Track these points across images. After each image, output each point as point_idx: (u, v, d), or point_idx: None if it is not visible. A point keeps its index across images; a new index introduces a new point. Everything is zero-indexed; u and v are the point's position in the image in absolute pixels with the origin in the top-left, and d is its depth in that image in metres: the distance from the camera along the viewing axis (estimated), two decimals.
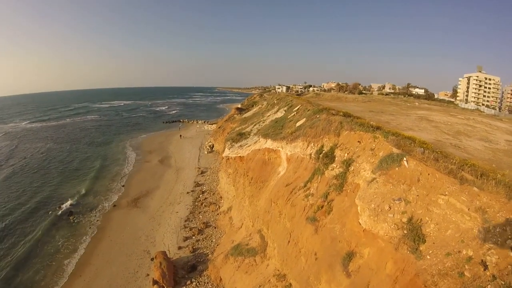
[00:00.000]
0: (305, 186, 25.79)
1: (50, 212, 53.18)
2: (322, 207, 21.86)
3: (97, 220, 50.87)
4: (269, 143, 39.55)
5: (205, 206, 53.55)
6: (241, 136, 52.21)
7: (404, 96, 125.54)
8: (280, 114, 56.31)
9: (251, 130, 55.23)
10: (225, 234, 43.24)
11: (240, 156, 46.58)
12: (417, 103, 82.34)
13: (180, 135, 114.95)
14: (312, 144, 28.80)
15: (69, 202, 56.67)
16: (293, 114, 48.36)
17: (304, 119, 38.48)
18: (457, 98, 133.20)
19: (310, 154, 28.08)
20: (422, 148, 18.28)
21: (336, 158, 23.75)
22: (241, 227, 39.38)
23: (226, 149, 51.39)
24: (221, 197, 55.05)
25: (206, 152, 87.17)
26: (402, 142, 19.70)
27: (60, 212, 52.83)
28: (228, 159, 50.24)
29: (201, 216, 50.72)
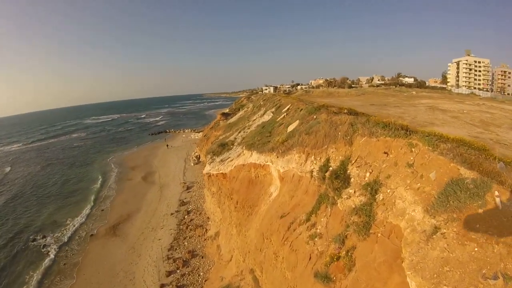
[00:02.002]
0: (308, 220, 17.74)
1: (21, 245, 47.04)
2: (337, 258, 14.05)
3: (72, 254, 43.83)
4: (255, 157, 31.40)
5: (190, 229, 45.68)
6: (223, 147, 43.89)
7: (395, 86, 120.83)
8: (267, 117, 48.31)
9: (235, 138, 46.83)
10: (214, 266, 35.42)
11: (222, 173, 38.21)
12: (414, 92, 75.49)
13: (167, 145, 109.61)
14: (312, 158, 21.01)
15: (43, 234, 49.97)
16: (282, 116, 40.44)
17: (297, 121, 30.69)
18: (448, 83, 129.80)
19: (311, 172, 20.28)
20: (502, 163, 10.69)
21: (352, 179, 15.89)
22: (231, 260, 31.40)
23: (207, 164, 42.67)
24: (208, 218, 46.99)
25: (192, 164, 79.09)
26: (462, 152, 11.97)
27: (32, 244, 46.85)
28: (210, 176, 42.00)
29: (186, 243, 43.03)
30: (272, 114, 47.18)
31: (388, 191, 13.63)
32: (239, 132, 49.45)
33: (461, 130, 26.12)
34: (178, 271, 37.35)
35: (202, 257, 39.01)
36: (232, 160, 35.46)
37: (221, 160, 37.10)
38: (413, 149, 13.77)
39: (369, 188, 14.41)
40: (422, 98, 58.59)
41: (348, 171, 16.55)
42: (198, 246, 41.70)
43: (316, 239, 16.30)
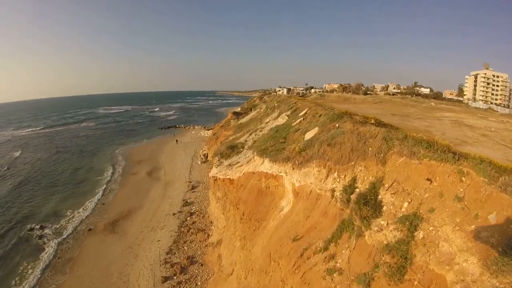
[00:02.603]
0: (326, 248, 14.84)
1: (19, 235, 45.84)
2: None
3: (68, 248, 42.30)
4: (267, 165, 28.19)
5: (192, 233, 43.23)
6: (232, 150, 41.01)
7: (411, 96, 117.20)
8: (281, 120, 45.17)
9: (246, 141, 44.00)
10: (213, 277, 32.84)
11: (229, 179, 35.18)
12: (433, 104, 71.95)
13: (176, 140, 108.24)
14: (335, 174, 18.12)
15: (41, 223, 48.81)
16: (298, 120, 37.42)
17: (316, 128, 27.53)
18: (464, 96, 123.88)
19: (333, 191, 17.48)
20: None
21: (385, 208, 13.14)
22: (232, 274, 28.51)
23: (214, 167, 40.10)
24: (211, 222, 44.31)
25: (199, 162, 76.57)
26: None
27: (29, 235, 45.69)
28: (216, 179, 39.09)
29: (186, 248, 40.66)
30: (287, 118, 44.05)
31: (431, 228, 10.91)
32: (250, 134, 46.46)
33: (496, 152, 23.10)
34: (174, 277, 35.17)
35: (202, 265, 36.57)
36: (241, 165, 32.66)
37: (229, 165, 34.06)
38: (463, 178, 11.05)
39: (407, 223, 11.63)
40: (443, 110, 55.24)
41: (380, 197, 13.77)
42: (198, 252, 39.29)
43: (335, 275, 13.49)
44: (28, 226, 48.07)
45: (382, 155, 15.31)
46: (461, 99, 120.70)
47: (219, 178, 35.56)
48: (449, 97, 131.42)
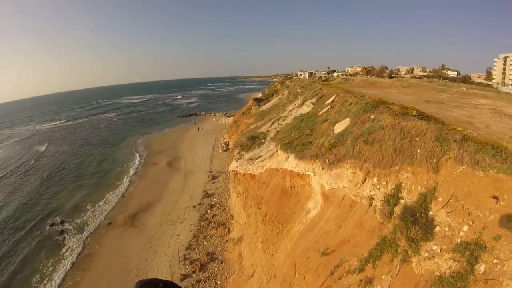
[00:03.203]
0: (361, 269, 12.40)
1: (39, 231, 45.61)
2: None
3: (87, 243, 41.89)
4: (292, 162, 25.05)
5: (212, 227, 41.51)
6: (254, 141, 38.19)
7: (439, 80, 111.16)
8: (306, 108, 41.57)
9: (268, 131, 41.10)
10: (233, 277, 30.92)
11: (250, 174, 32.45)
12: (464, 88, 66.65)
13: (198, 127, 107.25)
14: (374, 180, 15.25)
15: (62, 218, 48.70)
16: (325, 109, 33.94)
17: (348, 120, 24.30)
18: (493, 80, 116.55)
19: (371, 199, 14.91)
20: None
21: (438, 229, 10.44)
22: (253, 275, 26.43)
23: (234, 160, 37.42)
24: (232, 216, 42.37)
25: (220, 151, 74.66)
26: None
27: (50, 230, 45.39)
28: (237, 173, 36.44)
29: (205, 243, 39.02)
30: (312, 106, 40.51)
31: (495, 261, 8.27)
32: (273, 123, 43.28)
33: None
34: (194, 275, 33.65)
35: (222, 262, 34.83)
36: (263, 160, 29.93)
37: (250, 159, 31.07)
38: None
39: (466, 252, 9.02)
40: (477, 96, 50.50)
41: (432, 213, 11.03)
42: (219, 249, 37.56)
43: None
44: (49, 221, 47.82)
45: (434, 160, 12.44)
46: (490, 83, 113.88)
47: (240, 173, 33.15)
48: (477, 80, 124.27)
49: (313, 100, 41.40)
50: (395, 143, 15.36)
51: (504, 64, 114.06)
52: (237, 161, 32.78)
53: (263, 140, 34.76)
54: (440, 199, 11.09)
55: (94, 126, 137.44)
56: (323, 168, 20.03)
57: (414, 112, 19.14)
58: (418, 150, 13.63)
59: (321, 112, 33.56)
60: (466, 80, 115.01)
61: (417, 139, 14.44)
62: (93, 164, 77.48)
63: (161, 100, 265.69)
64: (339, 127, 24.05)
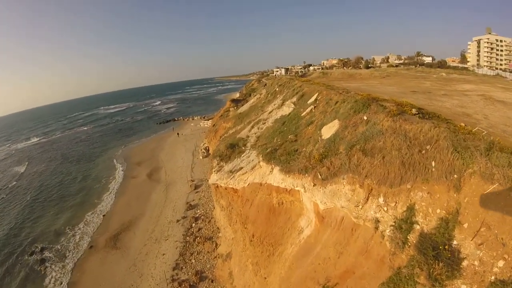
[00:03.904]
0: None
1: (20, 263, 42.64)
2: None
3: (69, 271, 38.84)
4: (278, 176, 21.51)
5: (198, 243, 38.83)
6: (233, 149, 34.67)
7: (415, 66, 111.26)
8: (287, 109, 38.63)
9: (248, 136, 38.10)
10: None
11: (233, 188, 28.79)
12: (444, 74, 65.69)
13: (178, 133, 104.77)
14: (380, 199, 12.54)
15: (42, 245, 45.95)
16: (309, 109, 31.12)
17: (337, 122, 21.45)
18: (468, 63, 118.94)
19: (377, 221, 12.35)
20: None
21: (466, 263, 8.11)
22: None
23: (213, 172, 33.42)
24: (218, 228, 39.66)
25: (201, 157, 71.52)
26: None
27: (30, 261, 42.38)
28: (218, 187, 32.72)
29: (193, 261, 36.40)
30: (293, 106, 37.71)
31: None
32: (252, 127, 39.91)
33: None
34: None
35: (212, 281, 32.21)
36: (244, 173, 26.46)
37: (231, 171, 27.58)
38: None
39: None
40: (459, 82, 49.23)
41: (456, 243, 8.72)
42: (207, 266, 34.97)
43: None
44: (28, 249, 45.20)
45: (455, 176, 9.94)
46: (465, 66, 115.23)
47: (221, 186, 30.23)
48: (453, 64, 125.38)
49: (294, 99, 38.48)
50: (401, 153, 12.81)
51: (478, 47, 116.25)
52: (216, 173, 29.69)
53: (243, 148, 31.73)
54: (465, 225, 8.75)
55: (72, 141, 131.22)
56: (315, 185, 17.04)
57: (414, 110, 16.64)
58: (433, 163, 11.09)
59: (304, 113, 31.00)
60: (442, 65, 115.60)
61: (428, 147, 11.96)
62: (72, 183, 73.23)
63: (139, 107, 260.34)
64: (327, 132, 21.53)
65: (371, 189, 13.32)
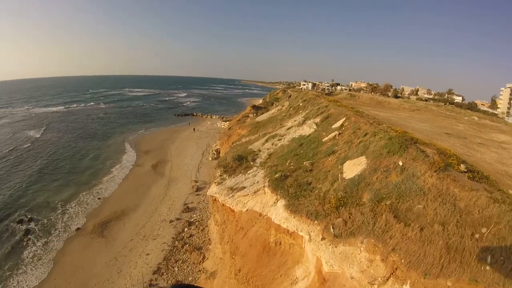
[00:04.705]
0: None
1: (7, 226, 42.34)
2: None
3: (51, 249, 37.20)
4: (281, 213, 17.82)
5: (186, 251, 36.03)
6: (240, 162, 30.97)
7: (445, 104, 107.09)
8: (307, 129, 34.64)
9: (260, 150, 34.73)
10: None
11: (230, 207, 25.09)
12: (475, 118, 61.63)
13: (194, 128, 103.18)
14: (406, 287, 9.04)
15: (31, 215, 44.80)
16: (332, 135, 27.54)
17: (364, 160, 17.93)
18: (498, 109, 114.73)
19: None
20: None
21: None
22: None
23: (214, 184, 29.89)
24: (209, 240, 36.92)
25: (210, 159, 69.00)
26: None
27: (17, 228, 41.68)
28: (215, 200, 28.97)
29: (176, 269, 33.64)
30: (315, 127, 33.92)
31: None
32: (267, 141, 36.55)
33: None
34: None
35: None
36: (245, 195, 22.92)
37: (231, 188, 23.77)
38: None
39: None
40: (492, 129, 45.41)
41: None
42: (189, 278, 32.11)
43: None
44: (17, 215, 44.64)
45: None
46: (495, 112, 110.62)
47: (218, 201, 27.08)
48: (482, 108, 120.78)
49: (317, 120, 34.98)
50: (447, 231, 9.49)
51: (511, 94, 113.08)
52: (217, 185, 26.63)
53: (252, 163, 28.62)
54: None
55: (88, 117, 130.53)
56: (323, 238, 13.72)
57: (462, 166, 13.58)
58: (489, 258, 7.97)
59: (326, 138, 27.68)
60: (472, 107, 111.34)
61: (484, 231, 8.78)
62: (77, 158, 72.44)
63: (162, 95, 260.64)
64: (350, 169, 18.03)
65: (396, 268, 9.97)
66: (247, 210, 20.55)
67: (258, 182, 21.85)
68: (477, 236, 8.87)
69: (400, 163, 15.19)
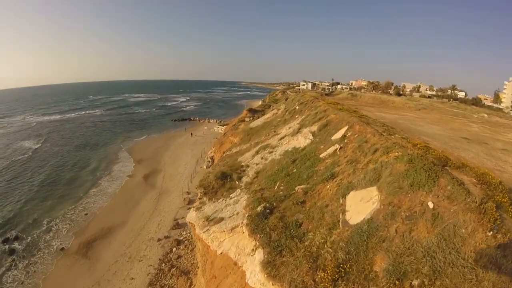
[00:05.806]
0: None
1: None
2: None
3: (34, 271, 34.98)
4: (257, 273, 12.64)
5: (173, 275, 32.75)
6: (224, 182, 26.33)
7: (448, 100, 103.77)
8: (303, 140, 29.75)
9: (248, 165, 30.18)
10: None
11: (206, 243, 20.33)
12: (485, 115, 58.07)
13: (191, 133, 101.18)
14: None
15: (16, 233, 42.97)
16: (331, 150, 22.60)
17: (376, 192, 13.13)
18: (502, 104, 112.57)
19: None
20: None
21: None
22: None
23: (192, 209, 24.86)
24: (198, 263, 33.96)
25: (205, 167, 65.51)
26: None
27: (1, 248, 39.66)
28: (194, 228, 23.08)
29: None
30: (311, 138, 28.99)
31: None
32: (257, 153, 33.53)
33: None
34: None
35: None
36: (222, 231, 18.36)
37: (207, 219, 20.05)
38: None
39: None
40: (506, 128, 42.07)
41: None
42: None
43: None
44: (3, 233, 42.95)
45: None
46: (500, 106, 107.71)
47: (196, 232, 22.27)
48: (486, 103, 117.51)
49: (314, 128, 31.62)
50: None
51: None
52: (195, 211, 22.46)
53: (237, 182, 24.76)
54: None
55: (81, 125, 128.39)
56: None
57: (507, 201, 9.72)
58: None
59: (324, 154, 22.88)
60: (476, 102, 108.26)
61: None
62: (68, 168, 69.92)
63: (161, 101, 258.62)
64: (357, 207, 13.19)
65: None
66: (221, 253, 16.36)
67: (238, 213, 17.72)
68: None
69: (431, 205, 10.57)
